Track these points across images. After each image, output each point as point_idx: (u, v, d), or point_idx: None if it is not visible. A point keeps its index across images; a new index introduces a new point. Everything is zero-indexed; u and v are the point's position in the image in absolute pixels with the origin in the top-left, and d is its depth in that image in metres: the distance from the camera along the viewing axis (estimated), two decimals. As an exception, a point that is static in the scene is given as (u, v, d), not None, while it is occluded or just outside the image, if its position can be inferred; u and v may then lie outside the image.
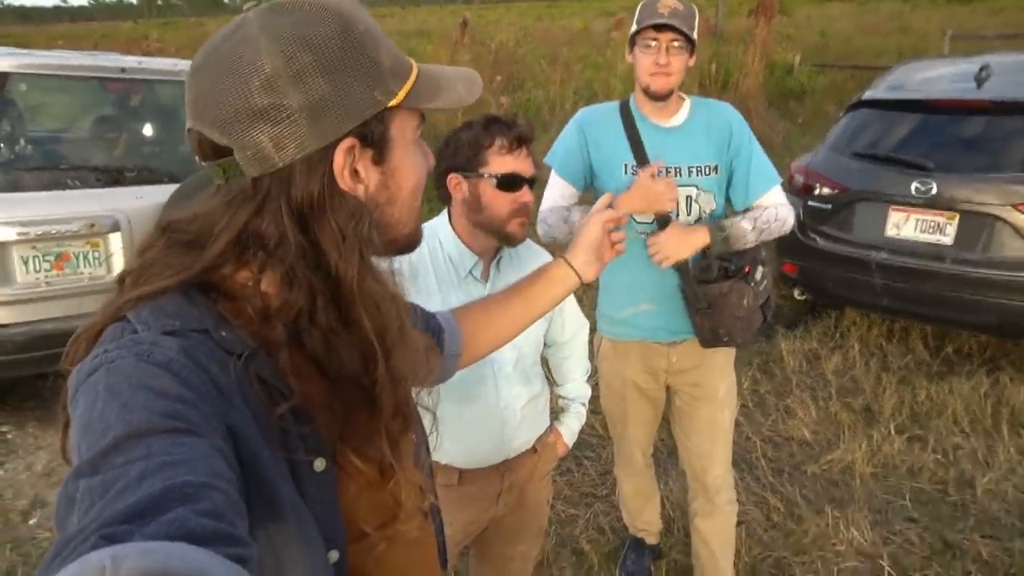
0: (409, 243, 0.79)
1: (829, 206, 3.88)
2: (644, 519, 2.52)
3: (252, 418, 0.62)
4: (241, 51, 0.64)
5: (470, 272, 1.57)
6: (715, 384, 2.16)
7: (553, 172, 2.08)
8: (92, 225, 3.05)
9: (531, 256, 1.70)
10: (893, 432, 3.24)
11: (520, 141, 1.49)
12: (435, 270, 1.56)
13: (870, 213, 3.72)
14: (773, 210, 1.97)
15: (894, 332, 4.17)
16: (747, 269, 1.93)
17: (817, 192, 3.92)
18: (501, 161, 1.49)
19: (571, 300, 1.83)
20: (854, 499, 2.84)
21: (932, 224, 3.52)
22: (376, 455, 0.73)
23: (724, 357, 2.16)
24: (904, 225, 3.60)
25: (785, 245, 4.10)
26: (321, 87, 0.65)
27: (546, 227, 2.04)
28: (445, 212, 1.61)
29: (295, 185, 0.65)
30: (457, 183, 1.53)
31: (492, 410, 1.62)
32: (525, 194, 1.50)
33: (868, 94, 4.14)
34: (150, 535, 0.43)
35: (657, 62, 1.86)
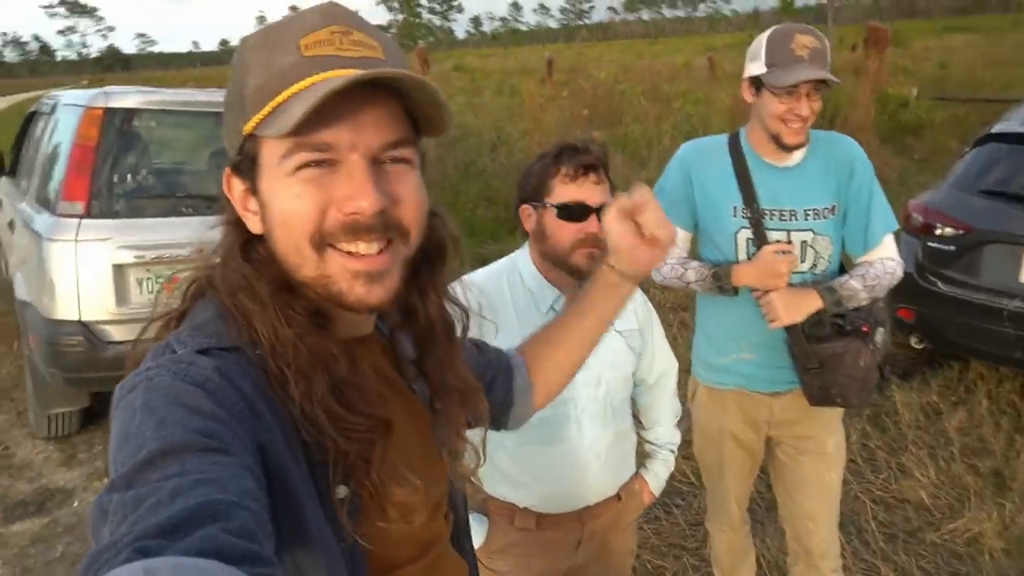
0: (322, 292, 0.68)
1: (952, 248, 3.58)
2: (738, 578, 2.34)
3: (283, 438, 0.63)
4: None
5: (551, 307, 1.51)
6: (823, 438, 1.99)
7: None
8: (200, 250, 3.22)
9: None
10: (1029, 502, 2.88)
11: (587, 168, 1.43)
12: (514, 304, 1.52)
13: (1001, 256, 3.39)
14: (881, 265, 1.83)
15: (1029, 389, 3.76)
16: (866, 329, 1.78)
17: (938, 232, 3.63)
18: (565, 190, 1.44)
19: (661, 338, 1.74)
20: (981, 576, 2.53)
21: (1075, 270, 3.16)
22: (397, 483, 0.70)
23: (833, 411, 1.98)
24: (1041, 270, 3.26)
25: (901, 289, 3.75)
26: (224, 118, 0.73)
27: (660, 277, 1.97)
28: (526, 245, 1.57)
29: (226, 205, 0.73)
30: (528, 214, 1.50)
31: (574, 451, 1.54)
32: (591, 224, 1.42)
33: (999, 127, 3.83)
34: (181, 551, 0.44)
35: (798, 113, 1.72)
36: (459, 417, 0.86)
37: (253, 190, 0.69)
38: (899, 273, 1.85)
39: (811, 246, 1.85)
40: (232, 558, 0.44)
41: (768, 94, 1.75)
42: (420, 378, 0.84)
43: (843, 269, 1.96)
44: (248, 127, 0.66)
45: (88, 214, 3.07)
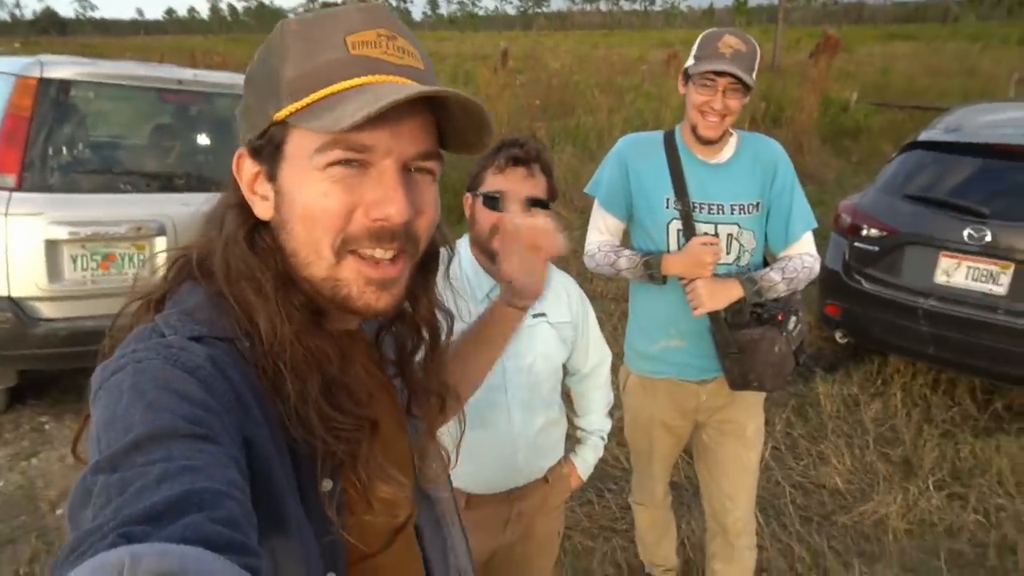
0: (328, 294, 0.68)
1: (876, 248, 3.76)
2: (660, 554, 2.45)
3: (269, 431, 0.63)
4: None
5: (487, 295, 1.57)
6: (744, 422, 2.11)
7: (596, 203, 2.08)
8: (139, 228, 3.16)
9: (553, 283, 1.69)
10: (932, 488, 3.09)
11: (516, 161, 1.49)
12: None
13: (919, 258, 3.59)
14: (800, 260, 1.95)
15: (940, 383, 4.00)
16: (780, 317, 1.89)
17: (864, 233, 3.82)
18: (492, 180, 1.50)
19: (596, 330, 1.81)
20: (885, 555, 2.71)
21: (985, 273, 3.38)
22: (383, 480, 0.72)
23: (755, 396, 2.10)
24: (955, 272, 3.47)
25: (828, 286, 4.00)
26: (244, 96, 0.71)
27: (593, 263, 2.05)
28: (467, 234, 1.62)
29: (230, 185, 0.72)
30: (468, 203, 1.56)
31: (503, 436, 1.60)
32: None
33: (924, 135, 4.03)
34: (167, 537, 0.44)
35: (712, 106, 1.82)
36: (435, 420, 0.88)
37: (270, 176, 0.67)
38: (816, 268, 1.97)
39: (736, 239, 1.95)
40: (217, 547, 0.44)
41: (692, 86, 1.86)
42: (399, 378, 0.85)
43: (766, 263, 2.07)
44: (282, 114, 0.65)
45: (20, 187, 2.97)
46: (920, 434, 3.52)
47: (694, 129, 1.89)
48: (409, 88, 0.62)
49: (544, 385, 1.65)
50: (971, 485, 3.13)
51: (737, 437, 2.10)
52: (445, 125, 0.70)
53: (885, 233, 3.74)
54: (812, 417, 3.73)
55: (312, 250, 0.66)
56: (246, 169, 0.69)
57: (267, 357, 0.65)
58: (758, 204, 1.94)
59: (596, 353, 1.81)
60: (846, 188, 6.89)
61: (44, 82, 3.03)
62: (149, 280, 0.71)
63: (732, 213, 1.93)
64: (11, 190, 2.95)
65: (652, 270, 1.93)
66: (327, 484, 0.68)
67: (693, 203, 1.92)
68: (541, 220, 1.01)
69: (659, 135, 2.03)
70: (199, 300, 0.67)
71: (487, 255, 1.54)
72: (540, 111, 9.61)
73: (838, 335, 4.14)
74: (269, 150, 0.67)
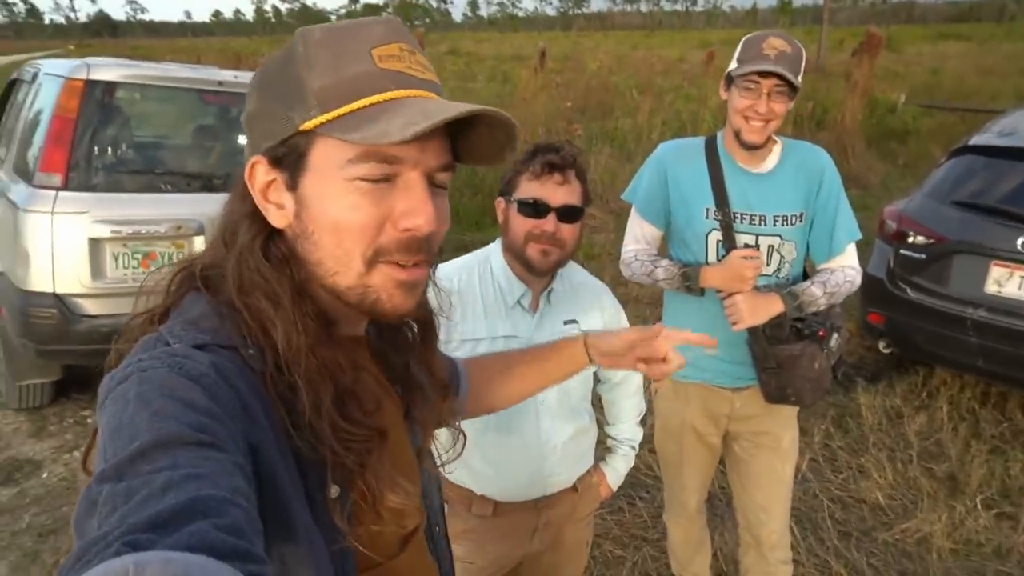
0: (354, 300, 0.69)
1: (923, 256, 3.64)
2: (693, 570, 2.40)
3: (274, 439, 0.63)
4: None
5: (518, 302, 1.55)
6: (779, 434, 2.05)
7: (633, 210, 2.04)
8: (179, 227, 3.22)
9: (587, 291, 1.66)
10: (980, 506, 2.96)
11: (552, 167, 1.46)
12: (483, 295, 1.55)
13: (969, 267, 3.46)
14: (842, 273, 1.89)
15: (989, 396, 3.85)
16: (822, 334, 1.83)
17: (911, 240, 3.69)
18: (527, 186, 1.48)
19: (628, 337, 1.77)
20: (928, 575, 2.61)
21: (1039, 283, 3.24)
22: (391, 490, 0.72)
23: (790, 408, 2.04)
24: (1007, 282, 3.33)
25: (872, 294, 3.88)
26: (254, 103, 0.70)
27: (629, 272, 2.02)
28: (500, 239, 1.60)
29: (239, 192, 0.72)
30: (501, 208, 1.54)
31: (531, 443, 1.58)
32: (547, 222, 1.46)
33: (976, 139, 3.89)
34: (172, 545, 0.44)
35: (756, 110, 1.76)
36: (433, 418, 0.88)
37: (291, 185, 0.67)
38: (858, 281, 1.90)
39: (777, 251, 1.89)
40: (222, 554, 0.44)
41: (735, 89, 1.80)
42: (398, 383, 0.85)
43: (805, 274, 2.01)
44: (310, 124, 0.64)
45: (65, 186, 3.05)
46: (967, 450, 3.39)
47: (737, 135, 1.83)
48: (454, 106, 0.63)
49: (574, 393, 1.63)
50: (1022, 505, 3.00)
51: (772, 449, 2.04)
52: (461, 139, 0.71)
53: (932, 240, 3.61)
54: (852, 429, 3.62)
55: (341, 260, 0.67)
56: (259, 177, 0.69)
57: (279, 368, 0.65)
58: (802, 215, 1.88)
59: (628, 361, 1.78)
60: (892, 193, 6.70)
61: (90, 84, 3.11)
62: (153, 290, 0.71)
63: (775, 224, 1.87)
64: (57, 189, 3.03)
65: (690, 282, 1.88)
66: (335, 491, 0.67)
67: (734, 213, 1.87)
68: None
69: (700, 141, 1.98)
70: (203, 309, 0.67)
71: (521, 262, 1.51)
72: (577, 113, 9.56)
73: (881, 345, 4.02)
74: (290, 159, 0.67)
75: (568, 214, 1.47)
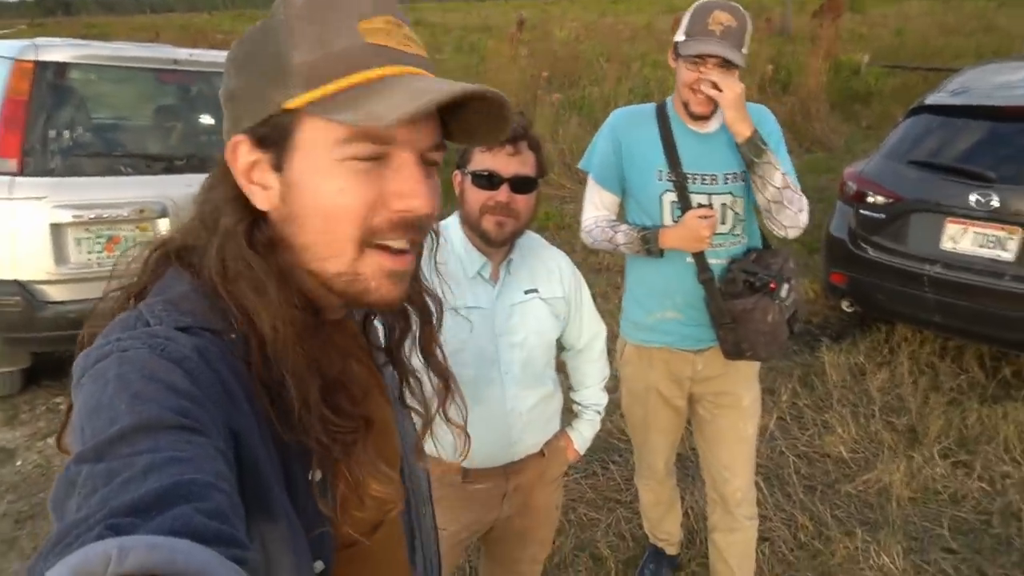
0: (340, 287, 0.67)
1: (882, 215, 3.72)
2: (664, 528, 2.48)
3: (256, 424, 0.62)
4: None
5: (478, 272, 1.57)
6: (740, 393, 2.11)
7: (590, 178, 2.07)
8: (142, 210, 3.18)
9: (546, 259, 1.69)
10: (937, 456, 3.09)
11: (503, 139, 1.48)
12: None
13: (925, 224, 3.55)
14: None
15: (948, 350, 3.98)
16: (772, 285, 1.88)
17: (870, 200, 3.77)
18: (480, 158, 1.50)
19: (590, 305, 1.81)
20: (888, 523, 2.72)
21: (992, 239, 3.33)
22: (375, 478, 0.72)
23: (749, 367, 2.11)
24: (961, 238, 3.42)
25: (834, 254, 3.97)
26: (233, 79, 0.67)
27: (591, 239, 2.06)
28: (457, 211, 1.62)
29: (219, 173, 0.69)
30: (457, 180, 1.55)
31: (497, 411, 1.61)
32: (500, 193, 1.48)
33: (930, 99, 3.95)
34: (154, 529, 0.43)
35: (702, 85, 1.79)
36: (428, 411, 0.86)
37: (276, 165, 0.64)
38: (805, 212, 1.88)
39: (731, 208, 1.94)
40: (206, 539, 0.43)
41: (682, 61, 1.83)
42: (389, 367, 0.85)
43: (766, 243, 2.06)
44: (294, 102, 0.62)
45: (21, 172, 2.99)
46: (927, 402, 3.51)
47: (686, 105, 1.87)
48: (446, 86, 0.61)
49: (537, 361, 1.66)
50: (977, 453, 3.13)
51: (733, 408, 2.11)
52: (452, 117, 0.69)
53: (890, 200, 3.69)
54: (818, 387, 3.72)
55: (332, 244, 0.65)
56: (243, 157, 0.65)
57: (264, 359, 0.63)
58: (744, 172, 1.92)
59: (590, 328, 1.82)
60: (855, 154, 6.79)
61: (40, 65, 3.04)
62: (126, 272, 0.69)
63: (726, 183, 1.91)
64: (13, 175, 2.98)
65: (649, 244, 1.92)
66: (317, 475, 0.68)
67: (686, 174, 1.91)
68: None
69: (651, 107, 2.01)
70: (184, 290, 0.65)
71: (477, 233, 1.54)
72: (546, 82, 9.49)
73: (844, 304, 4.12)
74: (274, 138, 0.64)
75: (521, 184, 1.49)
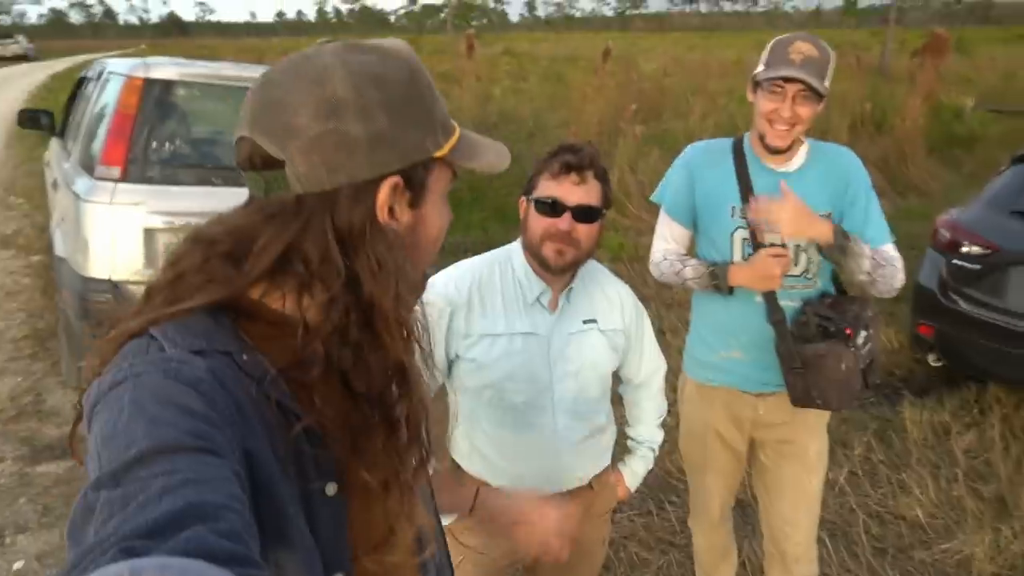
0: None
1: (978, 266, 3.51)
2: (718, 578, 2.37)
3: (269, 444, 0.64)
4: (317, 75, 0.67)
5: (537, 299, 1.56)
6: (805, 443, 2.01)
7: (662, 211, 2.04)
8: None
9: (609, 288, 1.67)
10: (1027, 530, 2.84)
11: (569, 167, 1.47)
12: (503, 291, 1.57)
13: (1026, 279, 3.31)
14: (890, 257, 1.83)
15: (1047, 416, 3.68)
16: (848, 331, 1.79)
17: (964, 250, 3.56)
18: (545, 186, 1.50)
19: (651, 339, 1.78)
20: (967, 598, 2.52)
21: (1101, 298, 3.08)
22: (388, 471, 0.73)
23: (818, 416, 2.01)
24: (1066, 296, 3.18)
25: (922, 305, 3.76)
26: (383, 123, 0.68)
27: (659, 272, 2.03)
28: (520, 238, 1.62)
29: (339, 209, 0.67)
30: (523, 207, 1.56)
31: (547, 440, 1.59)
32: (562, 221, 1.47)
33: (1038, 146, 3.72)
34: (169, 551, 0.44)
35: (781, 114, 1.75)
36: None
37: (412, 202, 0.73)
38: (900, 277, 1.83)
39: (804, 251, 1.87)
40: (219, 559, 0.44)
41: (760, 93, 1.80)
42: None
43: (839, 288, 1.97)
44: (442, 152, 0.74)
45: (124, 178, 3.20)
46: (1019, 471, 3.24)
47: (762, 138, 1.82)
48: (502, 147, 0.82)
49: (591, 392, 1.64)
50: (1073, 530, 2.86)
51: (798, 459, 2.01)
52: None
53: (988, 251, 3.48)
54: (895, 443, 3.50)
55: (430, 263, 0.80)
56: (390, 194, 0.70)
57: (283, 376, 0.67)
58: (829, 215, 1.85)
59: (650, 363, 1.78)
60: (953, 202, 6.44)
61: (149, 82, 3.26)
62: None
63: None
64: (116, 181, 3.19)
65: (718, 280, 1.88)
66: (331, 488, 0.69)
67: None
68: None
69: (728, 142, 1.97)
70: (196, 313, 0.66)
71: (537, 260, 1.54)
72: (632, 115, 9.49)
73: (931, 358, 3.88)
74: (419, 179, 0.73)
75: (584, 214, 1.48)
